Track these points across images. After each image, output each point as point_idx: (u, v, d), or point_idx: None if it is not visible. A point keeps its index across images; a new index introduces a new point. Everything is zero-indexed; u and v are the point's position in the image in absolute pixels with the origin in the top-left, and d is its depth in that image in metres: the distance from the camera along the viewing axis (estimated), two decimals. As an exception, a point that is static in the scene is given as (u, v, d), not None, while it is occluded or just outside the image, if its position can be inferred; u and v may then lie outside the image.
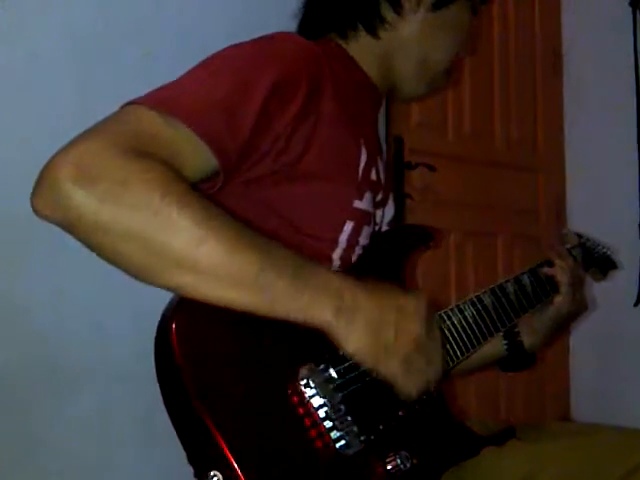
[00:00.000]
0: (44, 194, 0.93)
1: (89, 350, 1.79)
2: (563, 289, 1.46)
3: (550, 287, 1.46)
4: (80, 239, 0.95)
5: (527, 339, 1.47)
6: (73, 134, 0.97)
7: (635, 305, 2.97)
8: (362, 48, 1.31)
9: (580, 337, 3.20)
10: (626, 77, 3.04)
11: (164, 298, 1.03)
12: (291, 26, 1.36)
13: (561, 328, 1.52)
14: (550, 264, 1.47)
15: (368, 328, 1.01)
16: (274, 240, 1.01)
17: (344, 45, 1.32)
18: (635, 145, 3.01)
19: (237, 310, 0.97)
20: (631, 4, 3.02)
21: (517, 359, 1.48)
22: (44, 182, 0.93)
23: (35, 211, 0.94)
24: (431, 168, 2.77)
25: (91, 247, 0.95)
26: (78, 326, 1.78)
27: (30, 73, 1.77)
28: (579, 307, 1.51)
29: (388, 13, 1.30)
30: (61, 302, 1.73)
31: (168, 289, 0.98)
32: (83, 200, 0.91)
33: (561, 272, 1.46)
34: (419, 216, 2.72)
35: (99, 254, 0.96)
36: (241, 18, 2.09)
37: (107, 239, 0.94)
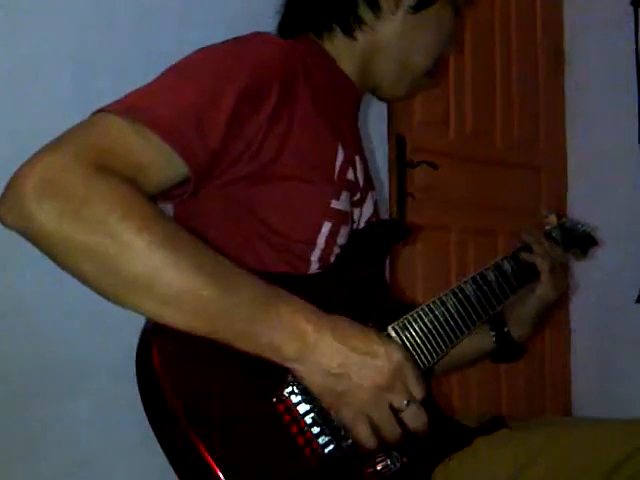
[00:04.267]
0: (8, 206, 0.93)
1: (89, 349, 1.79)
2: (544, 277, 1.45)
3: (531, 272, 1.45)
4: (42, 251, 0.95)
5: (514, 330, 1.47)
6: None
7: (637, 301, 2.96)
8: (339, 48, 1.30)
9: (581, 334, 3.20)
10: (628, 76, 3.03)
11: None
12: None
13: (546, 313, 1.51)
14: (529, 249, 1.46)
15: (326, 374, 0.99)
16: (239, 269, 0.98)
17: (323, 43, 1.31)
18: (637, 144, 3.01)
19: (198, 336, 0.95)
20: (632, 3, 3.01)
21: (506, 350, 1.48)
22: (9, 193, 0.93)
23: (1, 221, 0.94)
24: (433, 166, 2.77)
25: (52, 259, 0.95)
26: (78, 325, 1.78)
27: (30, 74, 1.77)
28: (561, 290, 1.49)
29: (366, 14, 1.28)
30: (60, 301, 1.73)
31: (130, 309, 0.97)
32: (43, 215, 0.90)
33: (541, 259, 1.44)
34: (420, 214, 2.72)
35: (63, 269, 0.95)
36: (242, 18, 2.09)
37: (65, 256, 0.93)
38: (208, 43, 1.19)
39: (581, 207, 3.19)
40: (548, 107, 3.26)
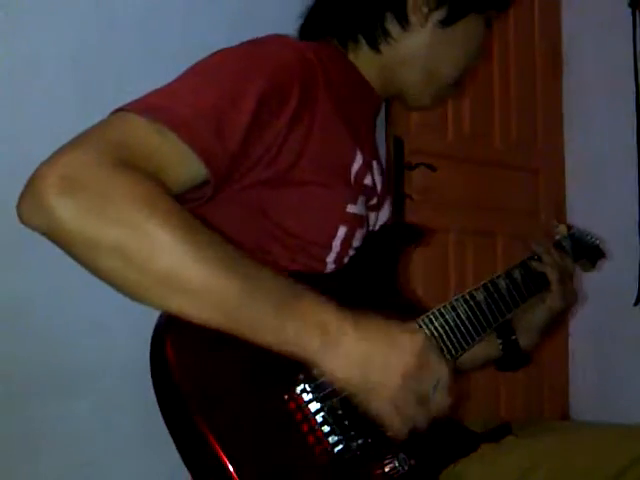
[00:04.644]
0: (29, 204, 0.92)
1: (90, 350, 1.79)
2: (554, 286, 1.45)
3: (542, 282, 1.46)
4: (63, 250, 0.94)
5: (522, 338, 1.47)
6: (73, 136, 0.97)
7: (635, 304, 2.97)
8: (361, 57, 1.28)
9: (579, 336, 3.21)
10: (626, 77, 3.04)
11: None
12: (292, 24, 1.35)
13: (554, 324, 1.51)
14: (539, 258, 1.47)
15: (353, 365, 0.99)
16: (261, 264, 0.98)
17: (345, 50, 1.29)
18: (635, 145, 3.01)
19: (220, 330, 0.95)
20: (631, 5, 3.02)
21: (512, 358, 1.48)
22: (30, 192, 0.92)
23: (20, 219, 0.93)
24: (431, 168, 2.77)
25: (73, 257, 0.94)
26: (79, 326, 1.78)
27: (30, 74, 1.77)
28: (570, 301, 1.49)
29: (393, 27, 1.25)
30: (62, 302, 1.73)
31: (149, 305, 0.96)
32: (66, 212, 0.90)
33: (550, 269, 1.45)
34: (419, 216, 2.72)
35: (81, 265, 0.94)
36: (243, 18, 2.09)
37: (88, 252, 0.92)
38: (210, 42, 1.18)
39: (579, 209, 3.19)
40: (546, 109, 3.26)
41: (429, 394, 1.03)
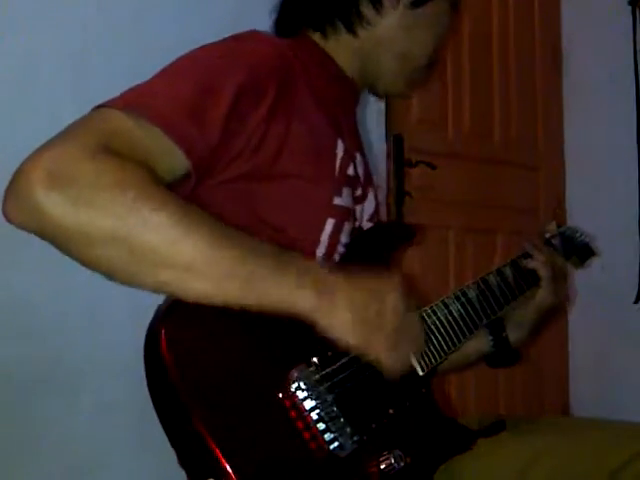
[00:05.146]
0: (16, 201, 0.92)
1: (88, 348, 1.79)
2: (544, 283, 1.46)
3: (532, 279, 1.47)
4: (55, 245, 0.94)
5: (512, 334, 1.48)
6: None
7: (635, 302, 2.97)
8: (340, 45, 1.31)
9: (579, 334, 3.21)
10: (626, 75, 3.03)
11: (164, 296, 1.03)
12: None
13: (544, 321, 1.52)
14: (530, 256, 1.47)
15: (351, 308, 1.03)
16: (249, 235, 1.02)
17: (319, 42, 1.31)
18: (635, 143, 3.01)
19: (220, 305, 0.97)
20: (630, 2, 3.02)
21: (503, 355, 1.49)
22: (15, 189, 0.91)
23: (7, 219, 0.93)
24: (431, 166, 2.77)
25: (67, 252, 0.94)
26: (77, 324, 1.78)
27: (30, 74, 1.77)
28: (560, 299, 1.51)
29: (368, 11, 1.29)
30: (60, 300, 1.73)
31: (151, 289, 0.97)
32: (56, 206, 0.90)
33: (542, 266, 1.46)
34: (419, 214, 2.72)
35: (76, 259, 0.95)
36: (243, 17, 2.09)
37: (82, 245, 0.93)
38: (208, 41, 1.19)
39: (579, 206, 3.19)
40: (546, 106, 3.26)
41: (415, 333, 1.12)
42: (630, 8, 3.02)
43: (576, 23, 3.27)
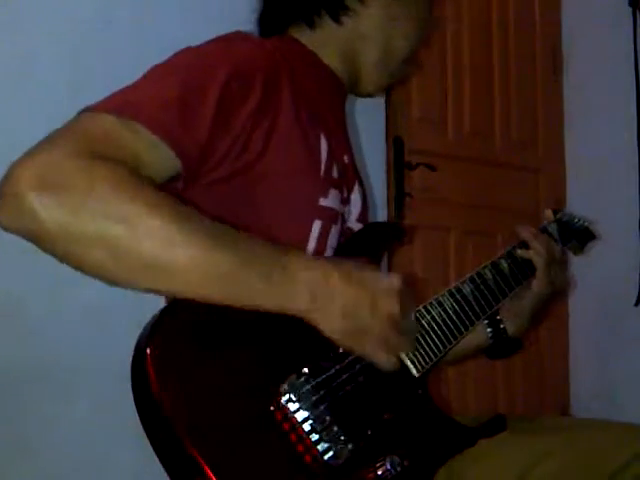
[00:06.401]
0: (7, 207, 0.91)
1: (87, 350, 1.79)
2: (539, 272, 1.43)
3: (528, 269, 1.44)
4: (47, 250, 0.93)
5: (510, 325, 1.46)
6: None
7: (635, 304, 2.96)
8: (325, 40, 1.31)
9: (580, 336, 3.20)
10: (626, 77, 3.03)
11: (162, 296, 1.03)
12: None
13: (543, 309, 1.50)
14: (526, 245, 1.46)
15: (344, 311, 1.03)
16: (244, 232, 1.01)
17: (304, 40, 1.31)
18: (635, 145, 3.01)
19: (216, 304, 0.97)
20: (631, 4, 3.02)
21: (502, 346, 1.48)
22: (6, 195, 0.90)
23: None
24: (431, 168, 2.77)
25: (59, 257, 0.93)
26: (76, 326, 1.78)
27: (28, 73, 1.77)
28: (559, 286, 1.48)
29: (350, 2, 1.30)
30: (59, 302, 1.73)
31: (146, 291, 0.97)
32: (47, 211, 0.89)
33: (536, 255, 1.43)
34: (419, 216, 2.72)
35: (69, 263, 0.94)
36: (242, 16, 2.09)
37: (76, 248, 0.92)
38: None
39: (580, 208, 3.17)
40: (546, 108, 3.26)
41: (409, 332, 1.13)
42: (631, 9, 3.03)
43: (577, 24, 3.27)
